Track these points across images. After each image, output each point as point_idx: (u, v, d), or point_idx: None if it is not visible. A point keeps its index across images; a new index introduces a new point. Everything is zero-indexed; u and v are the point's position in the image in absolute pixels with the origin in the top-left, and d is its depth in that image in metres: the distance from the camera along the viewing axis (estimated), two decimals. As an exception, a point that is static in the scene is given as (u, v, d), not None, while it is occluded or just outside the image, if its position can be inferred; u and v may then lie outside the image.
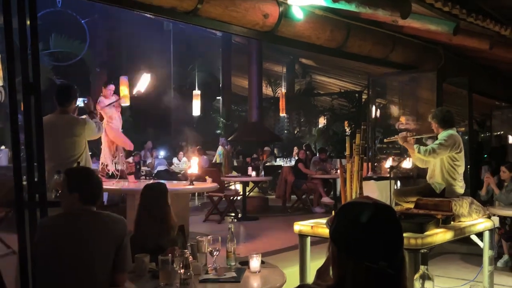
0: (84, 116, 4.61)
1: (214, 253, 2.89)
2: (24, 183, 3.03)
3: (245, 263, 2.93)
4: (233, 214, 8.88)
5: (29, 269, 3.00)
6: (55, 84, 11.44)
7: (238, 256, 3.08)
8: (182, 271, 2.49)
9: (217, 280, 2.68)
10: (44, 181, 3.14)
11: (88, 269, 2.44)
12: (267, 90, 17.44)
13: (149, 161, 12.75)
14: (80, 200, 2.55)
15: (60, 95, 4.44)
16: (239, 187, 9.80)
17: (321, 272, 1.47)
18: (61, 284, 2.44)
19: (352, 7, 4.75)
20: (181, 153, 13.44)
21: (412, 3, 4.63)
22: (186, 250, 2.69)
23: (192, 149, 11.24)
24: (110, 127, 6.54)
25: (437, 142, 4.38)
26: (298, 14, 5.28)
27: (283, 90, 15.89)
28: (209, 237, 2.98)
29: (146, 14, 6.29)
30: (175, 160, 13.67)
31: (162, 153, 14.86)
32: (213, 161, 12.67)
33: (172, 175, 11.60)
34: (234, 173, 10.85)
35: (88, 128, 4.45)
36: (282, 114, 15.58)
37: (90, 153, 4.90)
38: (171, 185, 6.76)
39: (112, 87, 6.62)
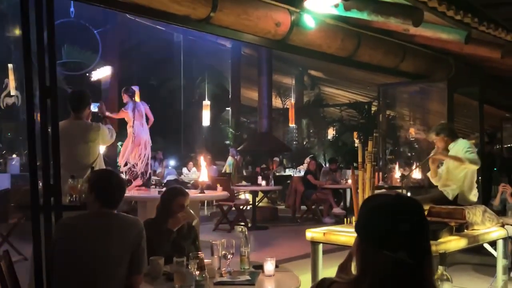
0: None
1: (228, 257, 2.89)
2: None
3: (259, 267, 2.93)
4: (243, 224, 8.87)
5: (44, 272, 3.02)
6: (67, 93, 11.57)
7: (253, 261, 3.08)
8: (197, 273, 2.49)
9: (231, 282, 2.68)
10: (59, 184, 3.17)
11: (104, 270, 2.45)
12: (276, 102, 17.49)
13: (159, 170, 12.79)
14: (99, 201, 2.59)
15: (74, 101, 4.48)
16: (248, 196, 9.80)
17: (342, 267, 1.47)
18: (76, 284, 2.45)
19: (364, 16, 4.78)
20: (190, 163, 13.48)
21: (424, 11, 4.64)
22: (201, 252, 2.69)
23: (201, 158, 11.27)
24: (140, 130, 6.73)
25: (468, 151, 4.36)
26: (310, 23, 5.32)
27: (292, 101, 15.94)
28: (222, 240, 2.98)
29: (159, 23, 6.37)
30: (184, 170, 13.71)
31: (172, 163, 14.90)
32: (223, 171, 12.70)
33: (182, 185, 11.59)
34: (244, 183, 10.85)
35: (102, 133, 4.49)
36: (291, 124, 15.60)
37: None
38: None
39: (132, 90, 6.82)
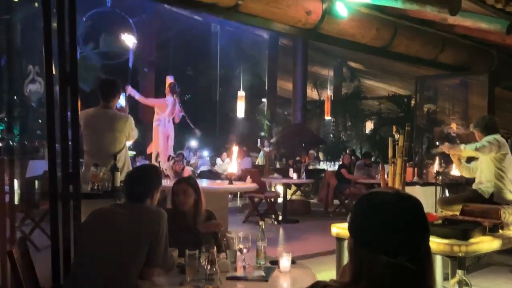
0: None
1: (244, 251, 2.81)
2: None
3: (275, 262, 2.83)
4: (273, 216, 8.79)
5: (61, 258, 3.03)
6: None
7: (270, 256, 2.99)
8: (207, 266, 2.42)
9: (244, 278, 2.60)
10: (78, 173, 3.16)
11: (121, 258, 2.48)
12: (312, 93, 17.25)
13: (192, 161, 12.86)
14: (127, 194, 2.72)
15: (104, 89, 4.43)
16: (280, 189, 9.70)
17: (343, 271, 1.35)
18: (94, 268, 2.48)
19: (398, 4, 4.58)
20: (224, 154, 13.49)
21: (462, 0, 4.40)
22: (214, 245, 2.62)
23: (234, 148, 11.25)
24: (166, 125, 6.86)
25: (481, 141, 4.23)
26: (342, 11, 5.15)
27: (329, 93, 15.68)
28: (239, 233, 2.90)
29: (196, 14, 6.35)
30: (218, 160, 13.73)
31: (205, 154, 14.95)
32: (256, 163, 12.63)
33: (215, 175, 11.64)
34: (277, 175, 10.76)
35: (129, 124, 4.44)
36: (328, 117, 15.36)
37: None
38: (211, 183, 6.77)
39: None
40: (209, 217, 3.43)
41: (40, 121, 10.27)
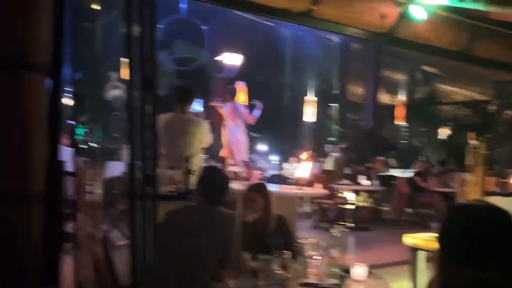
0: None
1: (317, 258, 2.79)
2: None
3: (347, 270, 2.79)
4: (343, 223, 8.66)
5: (139, 259, 3.15)
6: (177, 88, 12.11)
7: (343, 264, 2.95)
8: (280, 272, 2.43)
9: (317, 285, 2.58)
10: (156, 175, 3.28)
11: (194, 259, 2.55)
12: (384, 98, 16.86)
13: (261, 165, 12.94)
14: (201, 196, 2.80)
15: (181, 95, 4.70)
16: (350, 195, 9.55)
17: (431, 284, 1.31)
18: (169, 269, 2.56)
19: (479, 6, 4.39)
20: (292, 158, 13.46)
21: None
22: (286, 252, 2.63)
23: (303, 154, 11.23)
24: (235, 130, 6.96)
25: None
26: (419, 14, 5.00)
27: (402, 97, 15.26)
28: (312, 240, 2.88)
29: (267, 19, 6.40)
30: (286, 165, 13.72)
31: (274, 158, 14.99)
32: (324, 168, 12.50)
33: (284, 180, 11.63)
34: (346, 181, 10.60)
35: (203, 129, 4.61)
36: (400, 122, 14.95)
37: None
38: (280, 188, 6.77)
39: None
40: (281, 222, 3.44)
41: (116, 124, 10.79)
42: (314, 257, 2.76)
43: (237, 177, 7.11)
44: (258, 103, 7.50)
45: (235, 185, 6.50)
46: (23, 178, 2.39)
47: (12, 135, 2.41)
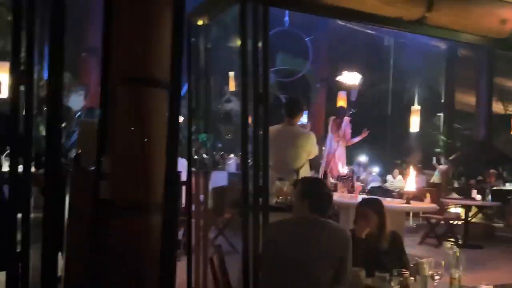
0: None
1: (436, 278, 2.65)
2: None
3: (471, 292, 2.62)
4: (452, 240, 8.19)
5: (250, 268, 3.20)
6: (278, 98, 12.23)
7: (464, 286, 2.77)
8: (400, 291, 2.34)
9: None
10: (268, 186, 3.32)
11: (310, 275, 2.52)
12: (497, 107, 15.76)
13: (362, 176, 12.66)
14: (310, 207, 2.69)
15: (290, 107, 4.74)
16: (459, 211, 8.99)
17: None
18: (281, 281, 2.56)
19: None
20: (396, 170, 13.01)
21: None
22: (405, 270, 2.52)
23: (409, 165, 10.81)
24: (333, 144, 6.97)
25: None
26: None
27: (517, 107, 14.17)
28: (430, 259, 2.74)
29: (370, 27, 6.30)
30: (389, 177, 13.29)
31: (376, 170, 14.59)
32: (431, 181, 11.94)
33: (386, 193, 11.26)
34: (455, 195, 10.02)
35: (311, 141, 4.60)
36: (515, 133, 13.87)
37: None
38: (386, 202, 6.54)
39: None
40: (394, 238, 3.33)
41: (224, 136, 11.13)
42: (435, 276, 2.63)
43: (336, 189, 7.04)
44: (364, 131, 7.51)
45: (336, 198, 6.44)
46: (145, 189, 2.53)
47: (136, 148, 2.57)
